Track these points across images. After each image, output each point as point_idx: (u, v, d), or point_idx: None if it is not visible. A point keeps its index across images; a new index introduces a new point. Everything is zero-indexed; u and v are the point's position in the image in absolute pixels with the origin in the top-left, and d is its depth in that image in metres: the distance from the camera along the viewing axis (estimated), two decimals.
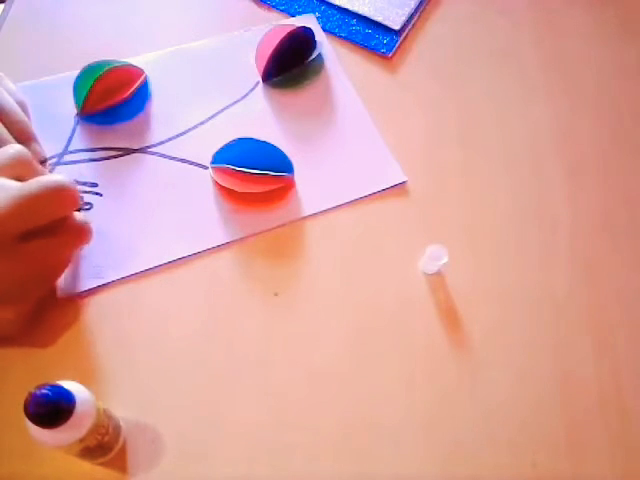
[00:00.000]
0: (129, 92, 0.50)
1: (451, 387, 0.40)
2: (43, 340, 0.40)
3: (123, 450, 0.37)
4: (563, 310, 0.43)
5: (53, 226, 0.37)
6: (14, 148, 0.39)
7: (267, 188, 0.45)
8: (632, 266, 0.45)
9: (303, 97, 0.52)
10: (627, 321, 0.43)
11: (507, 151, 0.50)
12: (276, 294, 0.43)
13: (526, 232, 0.46)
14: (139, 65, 0.51)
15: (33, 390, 0.28)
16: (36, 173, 0.39)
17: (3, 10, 0.56)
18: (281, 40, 0.51)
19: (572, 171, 0.49)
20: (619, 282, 0.44)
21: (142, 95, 0.51)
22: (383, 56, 0.55)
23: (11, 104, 0.45)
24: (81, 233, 0.39)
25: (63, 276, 0.41)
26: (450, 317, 0.42)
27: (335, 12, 0.58)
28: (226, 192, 0.46)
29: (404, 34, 0.56)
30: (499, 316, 0.43)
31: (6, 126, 0.44)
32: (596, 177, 0.49)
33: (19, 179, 0.37)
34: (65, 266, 0.40)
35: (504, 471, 0.38)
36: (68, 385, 0.30)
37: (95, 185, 0.47)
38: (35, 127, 0.47)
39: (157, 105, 0.51)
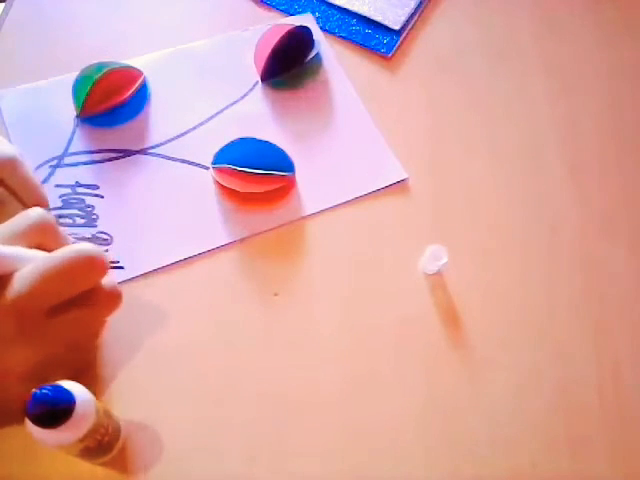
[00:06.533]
0: (128, 94, 0.50)
1: (450, 387, 0.40)
2: None
3: (123, 450, 0.37)
4: (564, 310, 0.43)
5: (82, 296, 0.34)
6: (37, 212, 0.35)
7: (268, 188, 0.45)
8: (636, 268, 0.45)
9: (302, 96, 0.52)
10: (629, 321, 0.43)
11: (508, 150, 0.50)
12: (276, 294, 0.43)
13: (527, 232, 0.46)
14: (138, 66, 0.51)
15: (33, 390, 0.28)
16: (60, 240, 0.36)
17: (3, 10, 0.56)
18: (280, 39, 0.50)
19: (574, 170, 0.49)
20: (621, 282, 0.44)
21: (141, 96, 0.51)
22: (383, 56, 0.55)
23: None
24: (112, 299, 0.36)
25: None
26: (450, 317, 0.42)
27: (335, 12, 0.58)
28: (227, 192, 0.46)
29: (404, 34, 0.56)
30: (499, 316, 0.43)
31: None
32: (598, 176, 0.49)
33: (40, 247, 0.35)
34: (99, 334, 0.38)
35: (504, 471, 0.37)
36: (68, 385, 0.30)
37: (96, 187, 0.47)
38: (35, 130, 0.47)
39: (157, 106, 0.51)
